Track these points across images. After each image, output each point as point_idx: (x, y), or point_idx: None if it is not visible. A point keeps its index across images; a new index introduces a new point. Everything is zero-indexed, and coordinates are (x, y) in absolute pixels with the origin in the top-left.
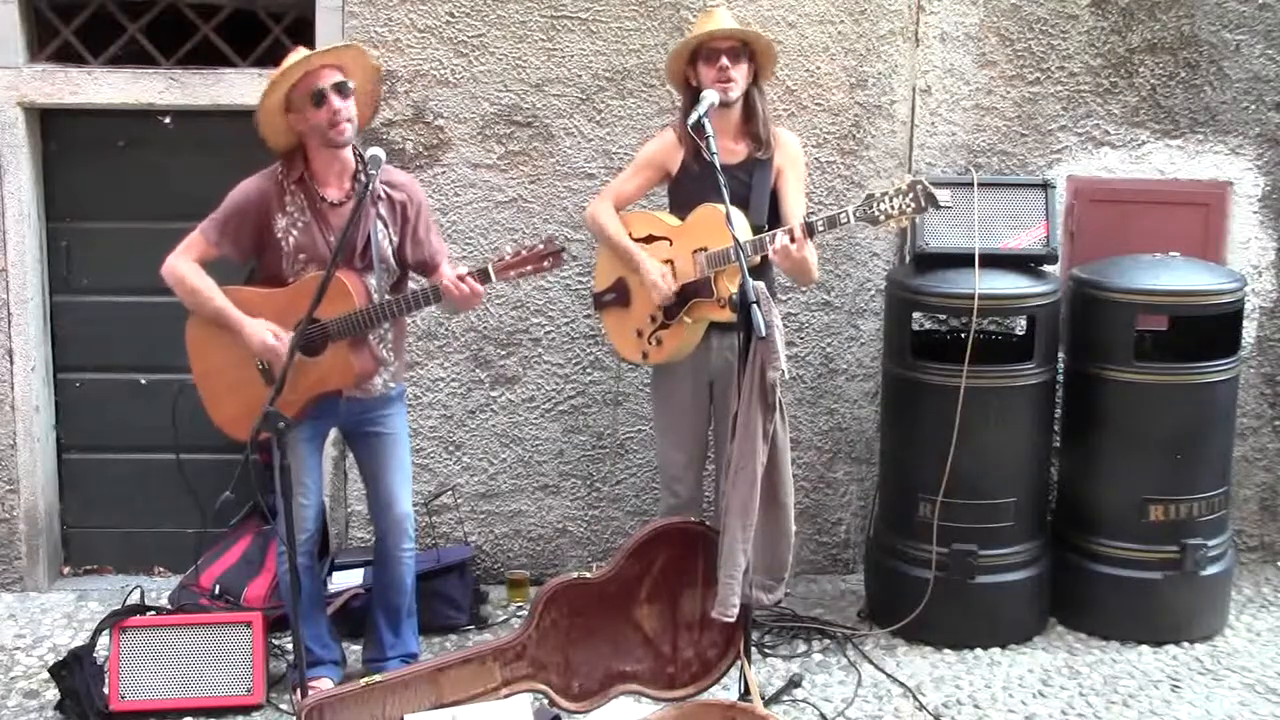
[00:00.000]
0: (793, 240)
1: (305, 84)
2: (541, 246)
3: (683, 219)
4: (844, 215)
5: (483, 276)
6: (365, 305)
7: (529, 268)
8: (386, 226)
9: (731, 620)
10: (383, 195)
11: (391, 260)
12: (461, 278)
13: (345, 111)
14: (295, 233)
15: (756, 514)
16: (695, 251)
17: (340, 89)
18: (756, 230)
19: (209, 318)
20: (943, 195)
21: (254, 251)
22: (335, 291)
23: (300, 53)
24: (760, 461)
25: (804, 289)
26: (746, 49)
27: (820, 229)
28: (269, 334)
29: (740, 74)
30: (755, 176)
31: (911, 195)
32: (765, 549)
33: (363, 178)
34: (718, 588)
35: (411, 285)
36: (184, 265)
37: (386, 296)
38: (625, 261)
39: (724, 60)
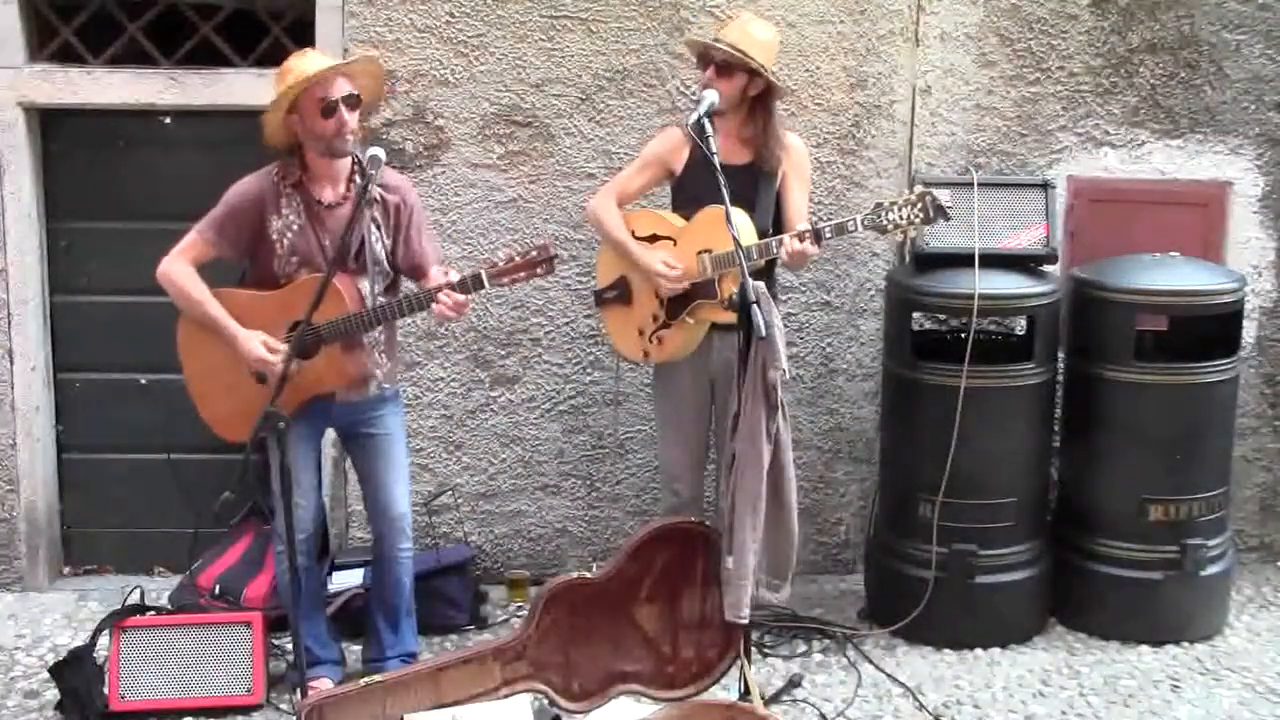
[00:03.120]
0: (801, 241)
1: (315, 90)
2: (535, 253)
3: (687, 219)
4: (852, 223)
5: (476, 283)
6: (358, 309)
7: (522, 274)
8: (380, 229)
9: (744, 622)
10: (377, 198)
11: (385, 263)
12: (449, 294)
13: (351, 123)
14: (290, 234)
15: (764, 514)
16: (700, 253)
17: (350, 101)
18: (761, 234)
19: (203, 324)
20: (943, 195)
21: (249, 251)
22: (327, 295)
23: (310, 55)
24: (765, 462)
25: (804, 289)
26: (745, 65)
27: (828, 236)
28: (262, 347)
29: (728, 86)
30: (759, 182)
31: (920, 206)
32: (770, 548)
33: (359, 179)
34: (729, 590)
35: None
36: (179, 269)
37: (380, 300)
38: (625, 258)
39: (709, 72)
